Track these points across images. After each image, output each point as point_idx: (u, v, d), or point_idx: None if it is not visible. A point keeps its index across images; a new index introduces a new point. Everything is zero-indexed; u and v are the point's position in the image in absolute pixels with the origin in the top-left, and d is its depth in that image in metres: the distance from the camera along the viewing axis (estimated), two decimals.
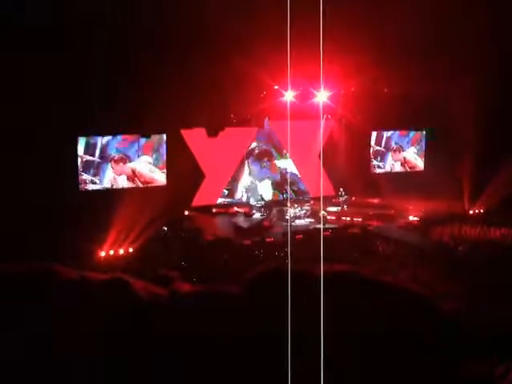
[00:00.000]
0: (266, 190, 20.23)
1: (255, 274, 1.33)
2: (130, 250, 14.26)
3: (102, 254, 13.90)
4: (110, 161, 17.23)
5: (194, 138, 18.59)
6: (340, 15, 11.67)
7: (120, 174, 17.42)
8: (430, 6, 15.17)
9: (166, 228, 16.03)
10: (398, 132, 22.16)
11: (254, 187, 20.10)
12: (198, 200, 18.81)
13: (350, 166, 20.33)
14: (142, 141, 17.71)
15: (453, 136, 18.32)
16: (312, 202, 19.85)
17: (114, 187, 17.25)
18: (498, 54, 16.69)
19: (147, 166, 17.78)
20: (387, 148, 22.03)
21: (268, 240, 15.59)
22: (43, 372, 1.18)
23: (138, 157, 17.67)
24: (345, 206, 19.72)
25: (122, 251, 14.17)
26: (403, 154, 22.25)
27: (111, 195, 16.32)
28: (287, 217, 17.95)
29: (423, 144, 22.37)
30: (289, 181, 20.38)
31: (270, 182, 20.40)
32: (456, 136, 18.07)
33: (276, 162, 20.55)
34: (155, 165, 17.89)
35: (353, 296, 1.25)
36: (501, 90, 17.23)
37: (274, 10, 7.70)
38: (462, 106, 17.32)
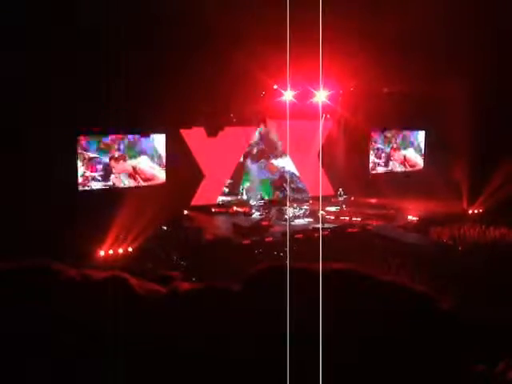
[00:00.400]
0: (265, 190, 20.23)
1: (254, 272, 1.33)
2: (130, 249, 14.25)
3: (101, 253, 13.89)
4: (110, 159, 17.24)
5: (194, 137, 18.59)
6: (339, 15, 11.66)
7: (121, 172, 17.43)
8: (430, 5, 15.16)
9: (165, 227, 16.04)
10: (397, 131, 22.17)
11: (253, 187, 20.10)
12: (198, 199, 18.81)
13: (349, 166, 20.35)
14: (142, 140, 17.71)
15: (453, 135, 18.31)
16: (311, 201, 19.86)
17: (115, 185, 17.25)
18: (497, 53, 16.68)
19: (147, 163, 17.80)
20: (387, 147, 22.04)
21: (267, 239, 15.59)
22: (43, 370, 1.18)
23: (139, 155, 17.67)
24: (344, 206, 19.72)
25: (121, 250, 14.16)
26: (403, 152, 22.28)
27: (110, 195, 16.32)
28: (286, 216, 17.95)
29: (423, 143, 22.40)
30: (288, 180, 20.37)
31: (269, 181, 20.40)
32: (456, 135, 18.07)
33: (274, 161, 20.54)
34: (155, 163, 17.92)
35: (352, 294, 1.26)
36: (501, 89, 17.24)
37: (273, 10, 7.71)
38: (461, 106, 17.33)
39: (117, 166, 17.33)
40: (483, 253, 13.83)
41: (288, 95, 17.83)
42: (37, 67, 13.30)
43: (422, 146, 22.44)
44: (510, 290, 8.19)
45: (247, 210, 19.23)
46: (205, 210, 18.66)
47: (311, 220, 18.42)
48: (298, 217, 18.67)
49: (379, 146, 21.96)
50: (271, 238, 15.65)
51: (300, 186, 20.75)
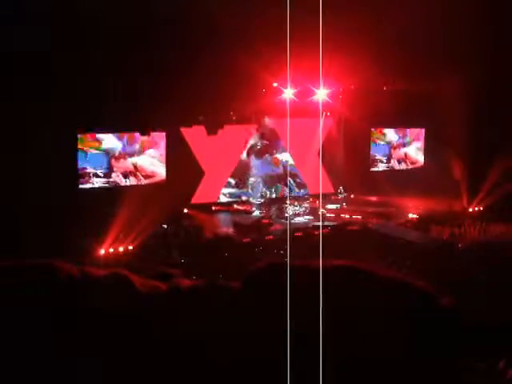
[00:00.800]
0: (269, 185, 20.21)
1: (254, 269, 1.33)
2: (130, 247, 14.26)
3: (102, 251, 13.90)
4: (111, 158, 17.25)
5: (194, 135, 18.59)
6: (340, 13, 11.66)
7: (122, 170, 17.44)
8: (430, 2, 15.16)
9: (165, 225, 16.05)
10: (398, 129, 22.17)
11: (255, 183, 20.08)
12: (198, 197, 18.81)
13: (349, 164, 20.35)
14: (143, 138, 17.72)
15: (453, 133, 18.31)
16: (311, 199, 19.86)
17: (117, 184, 17.27)
18: (498, 51, 16.67)
19: (148, 160, 17.81)
20: (387, 145, 22.04)
21: (267, 237, 15.60)
22: (43, 369, 1.18)
23: (139, 154, 17.69)
24: (344, 204, 19.73)
25: (121, 249, 14.17)
26: (404, 149, 22.27)
27: (111, 193, 16.33)
28: (287, 214, 17.96)
29: (423, 140, 22.39)
30: (288, 176, 20.36)
31: (272, 176, 20.34)
32: (456, 132, 18.06)
33: (277, 155, 20.52)
34: (156, 160, 17.94)
35: (352, 290, 1.26)
36: (502, 85, 17.23)
37: (273, 8, 7.70)
38: (462, 104, 17.32)
39: (117, 165, 17.34)
40: (483, 250, 13.83)
41: (288, 93, 17.83)
42: (36, 66, 13.32)
43: (423, 142, 22.43)
44: (510, 287, 8.19)
45: (248, 208, 19.23)
46: (205, 208, 18.67)
47: (311, 218, 18.42)
48: (299, 215, 18.68)
49: (380, 143, 21.95)
50: (271, 236, 15.66)
51: (300, 180, 20.72)
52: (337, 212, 18.87)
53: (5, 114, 13.18)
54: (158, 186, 17.45)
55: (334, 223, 17.31)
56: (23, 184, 13.39)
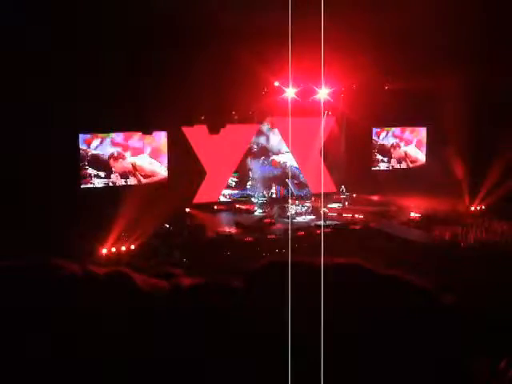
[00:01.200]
0: (270, 186, 20.19)
1: (256, 268, 1.33)
2: (132, 247, 14.26)
3: (104, 251, 13.90)
4: (110, 158, 17.25)
5: (195, 135, 18.59)
6: (341, 12, 11.65)
7: (121, 171, 17.44)
8: (431, 4, 15.14)
9: (167, 225, 16.05)
10: (399, 128, 22.15)
11: (256, 184, 20.08)
12: (200, 197, 18.81)
13: (351, 163, 20.33)
14: (143, 138, 17.73)
15: (454, 131, 18.29)
16: (313, 198, 19.85)
17: (117, 184, 17.27)
18: (498, 50, 16.65)
19: (147, 159, 17.81)
20: (388, 144, 22.02)
21: (269, 237, 15.59)
22: (44, 369, 1.18)
23: (138, 154, 17.70)
24: (346, 203, 19.73)
25: (123, 248, 14.17)
26: (404, 149, 22.25)
27: (112, 193, 16.33)
28: (288, 213, 17.95)
29: (425, 139, 22.37)
30: (290, 175, 20.36)
31: (272, 177, 20.35)
32: (458, 131, 18.04)
33: (275, 157, 20.49)
34: (155, 160, 17.95)
35: (354, 289, 1.26)
36: (504, 84, 17.20)
37: (275, 7, 7.70)
38: (463, 102, 17.31)
39: (116, 165, 17.34)
40: (485, 249, 13.84)
41: (290, 92, 17.82)
42: (36, 65, 13.32)
43: (425, 141, 22.41)
44: (511, 286, 8.18)
45: (249, 207, 19.23)
46: (207, 207, 18.67)
47: (313, 217, 18.42)
48: (300, 214, 18.67)
49: (381, 142, 21.93)
50: (273, 236, 15.66)
51: (302, 181, 20.72)
52: (339, 211, 18.87)
53: (5, 114, 13.18)
54: (159, 185, 17.45)
55: (337, 222, 17.31)
56: (25, 184, 13.40)
